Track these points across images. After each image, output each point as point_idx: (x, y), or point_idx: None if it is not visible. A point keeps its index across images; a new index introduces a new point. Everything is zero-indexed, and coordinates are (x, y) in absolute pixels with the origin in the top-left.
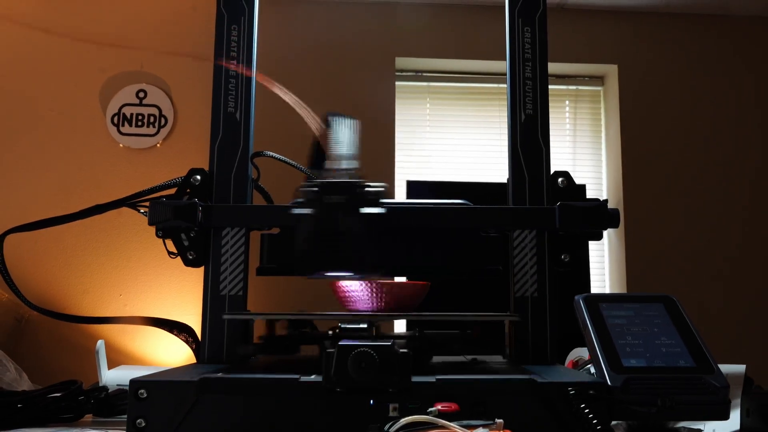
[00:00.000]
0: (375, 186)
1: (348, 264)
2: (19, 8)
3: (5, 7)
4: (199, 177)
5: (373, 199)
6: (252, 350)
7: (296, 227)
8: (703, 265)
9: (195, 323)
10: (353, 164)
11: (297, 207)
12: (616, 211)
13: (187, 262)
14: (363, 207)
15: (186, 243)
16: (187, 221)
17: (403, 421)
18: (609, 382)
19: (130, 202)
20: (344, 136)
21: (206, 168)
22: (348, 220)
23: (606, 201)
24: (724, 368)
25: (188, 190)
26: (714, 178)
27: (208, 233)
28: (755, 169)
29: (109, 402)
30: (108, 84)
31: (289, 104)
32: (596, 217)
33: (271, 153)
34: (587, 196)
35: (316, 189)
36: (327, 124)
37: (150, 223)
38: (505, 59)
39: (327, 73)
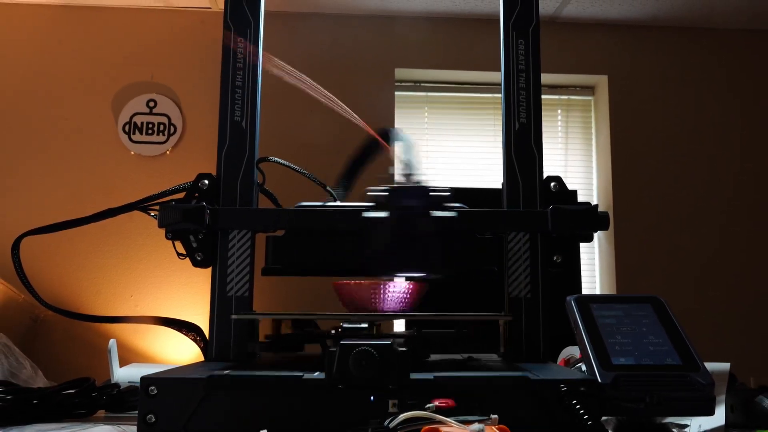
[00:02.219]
0: (439, 190)
1: (422, 265)
2: (35, 21)
3: (22, 20)
4: (207, 181)
5: (444, 204)
6: (257, 349)
7: (369, 230)
8: (689, 267)
9: (203, 323)
10: (416, 172)
11: (369, 210)
12: (605, 214)
13: (196, 263)
14: (435, 211)
15: (194, 245)
16: (196, 224)
17: (403, 416)
18: (599, 380)
19: (141, 205)
20: (408, 147)
21: (214, 173)
22: (424, 224)
23: (596, 205)
24: (710, 366)
25: (196, 194)
26: (699, 184)
27: (215, 235)
28: (738, 175)
29: (120, 398)
30: (120, 94)
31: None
32: (587, 220)
33: (276, 158)
34: (578, 201)
35: (386, 192)
36: (389, 136)
37: (160, 226)
38: (500, 70)
39: (329, 83)
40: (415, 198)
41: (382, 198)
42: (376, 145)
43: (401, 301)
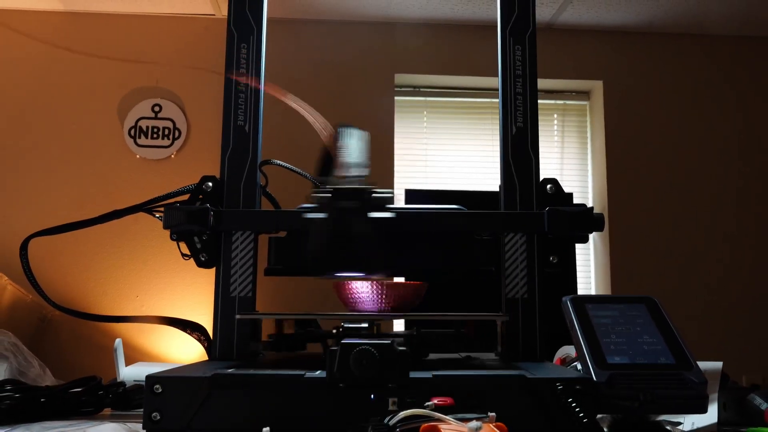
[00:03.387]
0: (382, 192)
1: (356, 265)
2: (43, 27)
3: (30, 26)
4: (210, 184)
5: (383, 204)
6: (260, 348)
7: (309, 230)
8: (682, 268)
9: (207, 322)
10: (362, 172)
11: (309, 211)
12: (601, 216)
13: (200, 264)
14: (372, 212)
15: (198, 246)
16: (200, 225)
17: (402, 414)
18: (594, 378)
19: (146, 207)
20: (353, 146)
21: (217, 176)
22: (359, 224)
23: (592, 207)
24: (702, 365)
25: (200, 196)
26: (691, 187)
27: (219, 236)
28: (731, 177)
29: (126, 397)
30: (125, 99)
31: (300, 113)
32: (583, 221)
33: (279, 161)
34: (574, 203)
35: (329, 194)
36: (337, 135)
37: (165, 227)
38: (497, 75)
39: (330, 88)
40: (353, 199)
41: (324, 200)
42: (330, 151)
43: (400, 301)
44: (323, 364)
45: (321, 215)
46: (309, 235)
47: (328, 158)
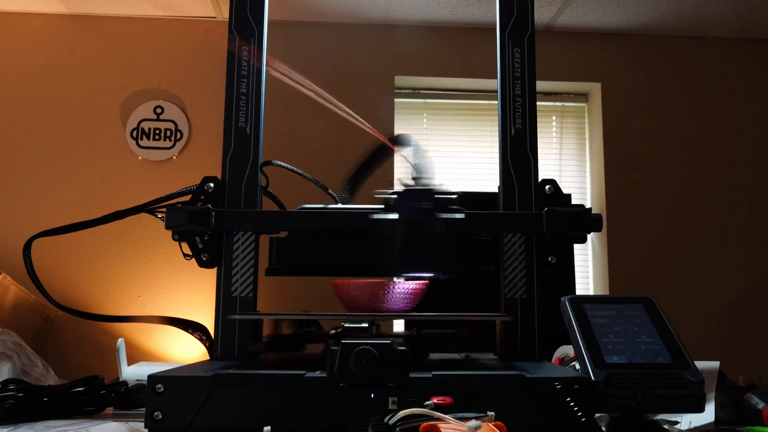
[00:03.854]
0: (448, 194)
1: (434, 265)
2: (46, 30)
3: (34, 29)
4: (212, 184)
5: (452, 206)
6: (261, 348)
7: (381, 232)
8: (679, 268)
9: (208, 322)
10: (429, 178)
11: (379, 213)
12: (599, 216)
13: (202, 264)
14: (445, 213)
15: (200, 246)
16: (201, 225)
17: (402, 413)
18: (593, 378)
19: (149, 208)
20: (416, 152)
21: (219, 177)
22: (435, 225)
23: (590, 208)
24: (700, 364)
25: (202, 197)
26: (689, 187)
27: (220, 236)
28: (726, 177)
29: (128, 396)
30: (128, 101)
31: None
32: (581, 222)
33: (279, 162)
34: (572, 204)
35: (401, 195)
36: (400, 141)
37: (167, 228)
38: (497, 77)
39: (331, 90)
40: (423, 200)
41: (391, 200)
42: (384, 151)
43: (399, 301)
44: (323, 364)
45: (392, 216)
46: (369, 236)
47: (365, 167)
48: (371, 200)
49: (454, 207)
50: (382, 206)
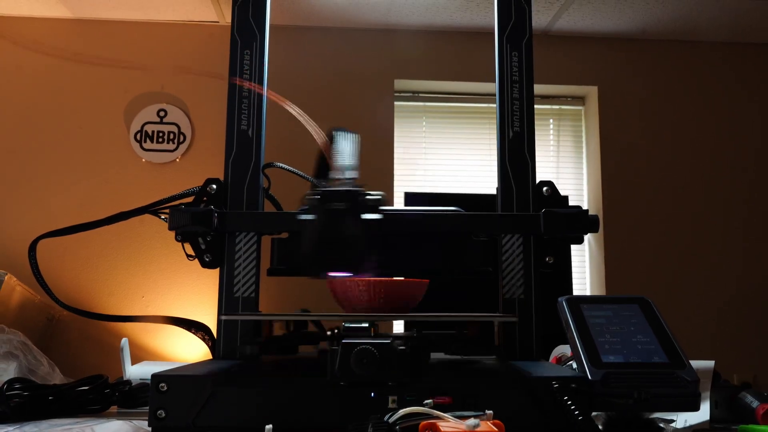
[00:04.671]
0: (374, 194)
1: (350, 265)
2: (51, 35)
3: (39, 33)
4: (214, 186)
5: (373, 206)
6: (263, 347)
7: (302, 231)
8: (675, 269)
9: (211, 322)
10: (354, 174)
11: (303, 213)
12: (595, 217)
13: (204, 264)
14: (363, 213)
15: (203, 246)
16: (204, 226)
17: (402, 412)
18: (589, 377)
19: (152, 209)
20: (347, 149)
21: (221, 179)
22: (350, 225)
23: (587, 209)
24: (695, 364)
25: (205, 198)
26: (684, 189)
27: (223, 237)
28: (721, 180)
29: (132, 395)
30: (131, 104)
31: (297, 118)
32: (578, 223)
33: (281, 164)
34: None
35: (320, 197)
36: (330, 138)
37: (170, 229)
38: (495, 81)
39: (332, 93)
40: (341, 201)
41: (314, 201)
42: (325, 153)
43: (399, 301)
44: (324, 363)
45: (312, 217)
46: (302, 236)
47: (323, 161)
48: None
49: (375, 207)
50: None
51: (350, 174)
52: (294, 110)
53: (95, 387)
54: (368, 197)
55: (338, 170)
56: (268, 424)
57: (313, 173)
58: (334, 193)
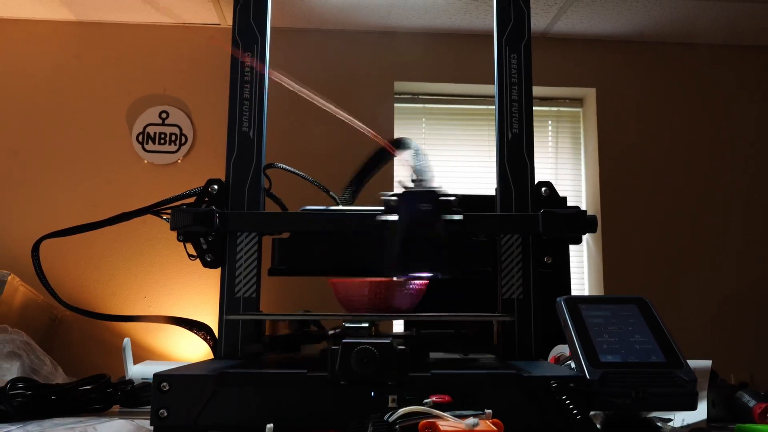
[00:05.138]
0: (447, 195)
1: (433, 266)
2: (55, 37)
3: (42, 36)
4: (216, 187)
5: (454, 208)
6: (264, 347)
7: (384, 232)
8: (672, 269)
9: (212, 322)
10: (430, 178)
11: (383, 213)
12: (594, 217)
13: (206, 264)
14: (447, 214)
15: (204, 246)
16: (206, 226)
17: (401, 411)
18: (588, 376)
19: (154, 209)
20: (417, 154)
21: (223, 180)
22: (436, 226)
23: (585, 210)
24: (692, 363)
25: (206, 199)
26: (681, 189)
27: (224, 237)
28: (716, 180)
29: (134, 394)
30: (134, 106)
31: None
32: (576, 222)
33: (282, 165)
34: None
35: (405, 197)
36: (402, 144)
37: (172, 229)
38: (494, 83)
39: (332, 95)
40: (424, 202)
41: (393, 201)
42: (386, 154)
43: (398, 301)
44: (325, 363)
45: (394, 217)
46: (383, 236)
47: (367, 169)
48: (375, 202)
49: (455, 209)
50: (382, 207)
51: (425, 178)
52: (347, 118)
53: (98, 386)
54: (448, 198)
55: (414, 172)
56: (269, 423)
57: (356, 175)
58: (419, 194)
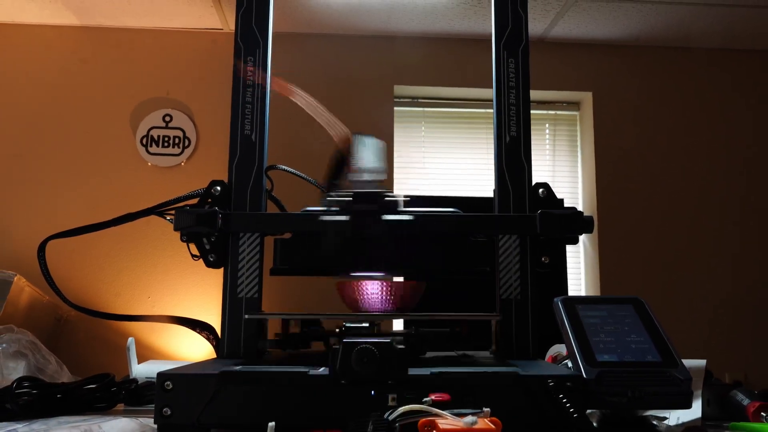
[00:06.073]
0: (394, 196)
1: (376, 265)
2: (59, 41)
3: (47, 40)
4: (219, 188)
5: (398, 208)
6: (266, 346)
7: (325, 232)
8: (668, 270)
9: (215, 322)
10: (379, 177)
11: (327, 214)
12: (590, 218)
13: (209, 264)
14: (390, 214)
15: (207, 247)
16: (209, 227)
17: (401, 409)
18: (584, 375)
19: (158, 211)
20: (368, 152)
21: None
22: (378, 226)
23: (582, 211)
24: (687, 363)
25: (209, 200)
26: (677, 191)
27: (227, 238)
28: (711, 182)
29: (138, 393)
30: (138, 109)
31: (311, 116)
32: (573, 223)
33: (284, 167)
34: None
35: (347, 198)
36: (352, 141)
37: (175, 229)
38: (492, 87)
39: (332, 99)
40: (370, 203)
41: (342, 203)
42: (344, 155)
43: (399, 301)
44: (326, 362)
45: (340, 217)
46: (325, 236)
47: (341, 162)
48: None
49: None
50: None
51: (375, 177)
52: (314, 108)
53: (102, 385)
54: (394, 199)
55: (362, 172)
56: (270, 421)
57: (329, 173)
58: (363, 195)
